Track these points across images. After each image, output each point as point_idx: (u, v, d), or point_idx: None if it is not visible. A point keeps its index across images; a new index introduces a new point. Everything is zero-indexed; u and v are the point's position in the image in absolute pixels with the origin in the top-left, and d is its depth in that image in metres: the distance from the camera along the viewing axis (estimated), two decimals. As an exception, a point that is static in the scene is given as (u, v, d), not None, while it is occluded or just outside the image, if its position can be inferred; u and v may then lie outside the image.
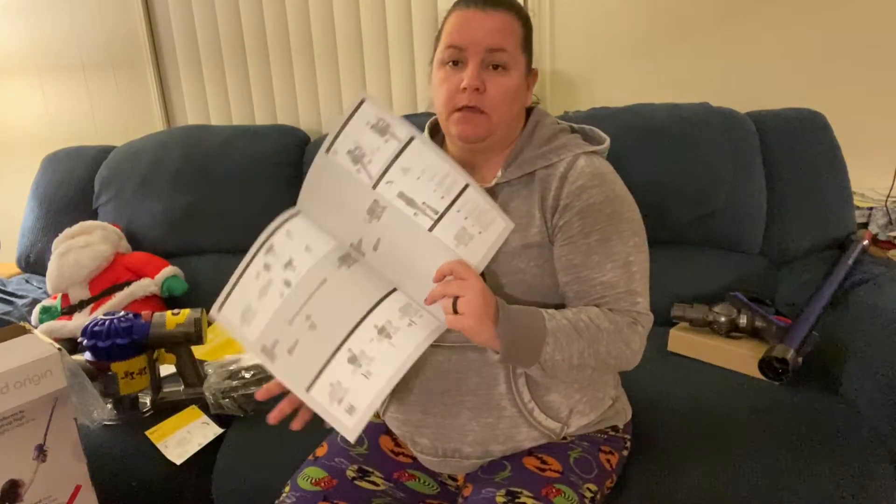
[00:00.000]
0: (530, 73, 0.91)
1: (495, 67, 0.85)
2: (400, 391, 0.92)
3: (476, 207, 0.78)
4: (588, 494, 0.86)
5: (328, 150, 0.81)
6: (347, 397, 0.75)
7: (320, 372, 0.76)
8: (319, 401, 0.76)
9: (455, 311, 0.76)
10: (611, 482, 0.94)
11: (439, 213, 0.77)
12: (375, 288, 0.80)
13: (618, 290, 0.84)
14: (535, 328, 0.79)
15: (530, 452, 0.89)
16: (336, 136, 0.81)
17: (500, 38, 0.84)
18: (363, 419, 0.76)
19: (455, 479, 0.96)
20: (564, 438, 0.92)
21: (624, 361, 0.85)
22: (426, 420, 0.90)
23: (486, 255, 0.79)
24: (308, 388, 0.77)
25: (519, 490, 0.82)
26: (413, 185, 0.78)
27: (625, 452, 0.98)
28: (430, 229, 0.78)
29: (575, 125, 0.96)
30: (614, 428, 0.97)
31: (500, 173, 0.90)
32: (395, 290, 0.80)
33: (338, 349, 0.77)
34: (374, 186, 0.79)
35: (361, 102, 0.79)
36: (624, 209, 0.86)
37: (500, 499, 0.81)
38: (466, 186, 0.77)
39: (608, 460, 0.93)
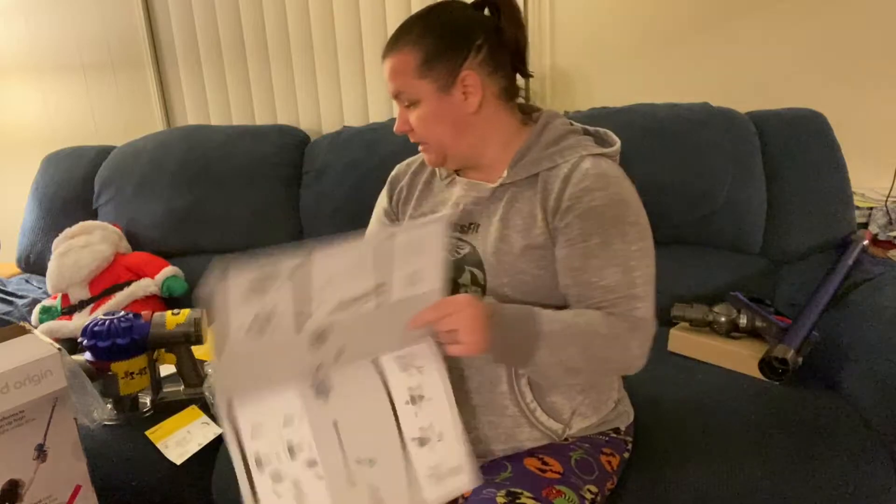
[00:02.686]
0: (454, 84, 0.87)
1: (407, 105, 0.91)
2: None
3: (403, 244, 0.69)
4: (588, 496, 0.86)
5: (219, 355, 0.68)
6: (444, 466, 0.75)
7: (414, 478, 0.74)
8: (435, 496, 0.74)
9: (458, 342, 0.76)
10: (611, 484, 0.94)
11: (378, 284, 0.71)
12: (369, 382, 0.76)
13: (617, 294, 0.82)
14: (528, 331, 0.79)
15: (531, 453, 0.89)
16: (226, 333, 0.67)
17: (395, 82, 0.89)
18: (467, 462, 0.77)
19: (455, 480, 0.96)
20: (566, 439, 0.91)
21: (623, 366, 0.85)
22: (427, 420, 0.90)
23: (439, 268, 0.75)
24: (419, 494, 0.75)
25: (519, 491, 0.82)
26: (340, 288, 0.69)
27: (626, 454, 0.98)
28: (378, 306, 0.72)
29: (590, 128, 0.95)
30: (616, 430, 0.97)
31: (505, 173, 0.90)
32: (378, 361, 0.77)
33: (404, 448, 0.75)
34: (299, 331, 0.69)
35: (225, 290, 0.65)
36: (629, 213, 0.84)
37: (500, 499, 0.81)
38: (378, 244, 0.69)
39: (609, 462, 0.93)
